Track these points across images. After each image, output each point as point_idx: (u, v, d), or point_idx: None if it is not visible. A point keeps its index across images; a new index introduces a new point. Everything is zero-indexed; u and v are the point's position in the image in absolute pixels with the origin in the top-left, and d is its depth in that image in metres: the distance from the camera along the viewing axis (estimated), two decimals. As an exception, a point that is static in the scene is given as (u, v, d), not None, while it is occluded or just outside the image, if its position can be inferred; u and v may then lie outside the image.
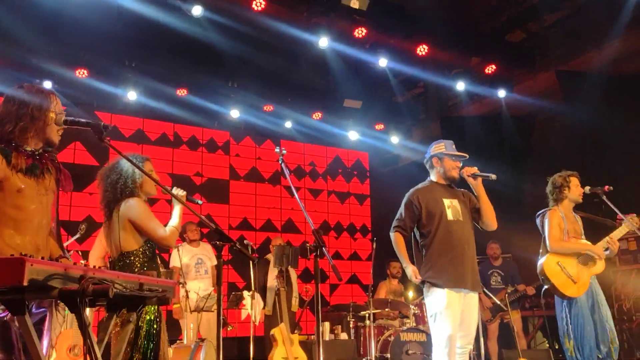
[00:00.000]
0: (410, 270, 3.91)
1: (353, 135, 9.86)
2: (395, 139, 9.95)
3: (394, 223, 4.09)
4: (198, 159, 9.02)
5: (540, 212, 4.70)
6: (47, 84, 7.15)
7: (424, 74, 8.52)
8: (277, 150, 3.05)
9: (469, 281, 3.85)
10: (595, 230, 4.77)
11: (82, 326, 1.88)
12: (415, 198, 4.00)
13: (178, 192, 3.28)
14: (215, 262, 6.62)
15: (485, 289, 6.22)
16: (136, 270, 3.08)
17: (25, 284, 1.70)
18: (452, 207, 3.94)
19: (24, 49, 6.69)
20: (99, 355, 1.99)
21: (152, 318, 3.05)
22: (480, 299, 5.26)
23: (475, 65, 8.46)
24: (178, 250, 6.13)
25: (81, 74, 7.24)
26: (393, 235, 4.07)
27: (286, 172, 2.89)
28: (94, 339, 2.00)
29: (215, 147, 9.22)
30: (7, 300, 1.81)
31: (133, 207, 3.12)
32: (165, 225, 3.20)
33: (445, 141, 4.12)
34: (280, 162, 2.94)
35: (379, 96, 9.36)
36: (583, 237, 4.61)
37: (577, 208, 4.74)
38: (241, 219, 9.14)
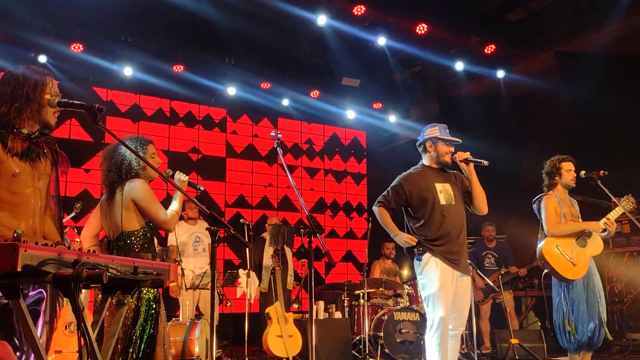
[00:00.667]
0: (403, 237, 3.90)
1: (350, 113, 9.83)
2: (392, 117, 9.92)
3: (379, 198, 4.09)
4: (194, 135, 8.98)
5: (536, 197, 4.70)
6: (42, 59, 7.10)
7: (423, 53, 8.45)
8: (272, 134, 3.02)
9: (461, 265, 3.87)
10: (592, 213, 4.78)
11: (76, 311, 1.89)
12: (406, 184, 3.99)
13: (180, 176, 3.29)
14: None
15: (478, 270, 6.27)
16: (136, 249, 3.11)
17: (18, 269, 1.69)
18: (444, 192, 3.94)
19: (18, 23, 6.61)
20: (93, 337, 2.00)
21: (152, 297, 3.08)
22: (473, 280, 5.32)
23: (475, 45, 8.40)
24: (175, 228, 6.13)
25: (76, 48, 7.17)
26: (377, 209, 4.07)
27: (281, 157, 2.87)
28: (88, 321, 2.01)
29: (212, 124, 9.18)
30: (1, 285, 1.82)
31: (137, 188, 3.12)
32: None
33: (439, 125, 4.09)
34: (276, 146, 2.92)
35: (377, 75, 9.30)
36: (580, 220, 4.62)
37: (573, 191, 4.75)
38: (237, 196, 9.15)
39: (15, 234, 2.08)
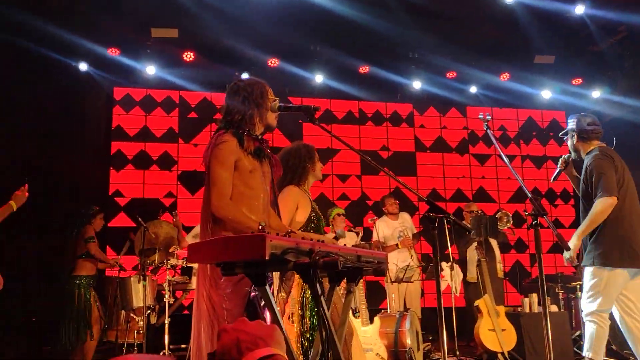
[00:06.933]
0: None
1: (546, 93, 9.16)
2: (596, 93, 9.01)
3: (608, 189, 3.69)
4: (383, 133, 9.13)
5: None
6: (244, 76, 7.83)
7: (627, 15, 7.50)
8: (480, 116, 2.92)
9: None
10: None
11: (316, 296, 2.02)
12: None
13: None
14: (415, 230, 6.74)
15: None
16: None
17: (267, 258, 1.86)
18: None
19: (222, 47, 7.41)
20: (331, 323, 2.11)
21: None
22: None
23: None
24: (376, 224, 6.32)
25: (273, 63, 7.80)
26: (610, 200, 3.67)
27: (492, 137, 2.76)
28: (326, 307, 2.13)
29: (400, 120, 9.24)
30: (249, 274, 2.02)
31: (282, 195, 3.38)
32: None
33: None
34: (485, 129, 2.82)
35: (574, 48, 8.49)
36: None
37: None
38: (430, 190, 9.07)
39: (260, 227, 2.31)
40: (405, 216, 6.70)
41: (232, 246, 1.95)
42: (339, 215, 6.12)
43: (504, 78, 8.72)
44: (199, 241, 2.12)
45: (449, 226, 6.39)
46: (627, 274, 3.69)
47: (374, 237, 6.37)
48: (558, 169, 4.14)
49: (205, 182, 2.61)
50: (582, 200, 3.90)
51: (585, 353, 3.77)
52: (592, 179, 3.75)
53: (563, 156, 4.13)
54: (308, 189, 3.59)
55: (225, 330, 1.21)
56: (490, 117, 2.91)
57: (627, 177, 3.86)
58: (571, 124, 4.02)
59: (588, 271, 3.80)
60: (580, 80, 8.92)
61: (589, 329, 3.78)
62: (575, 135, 3.98)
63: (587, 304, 3.79)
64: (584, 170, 3.89)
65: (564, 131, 4.11)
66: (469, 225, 6.07)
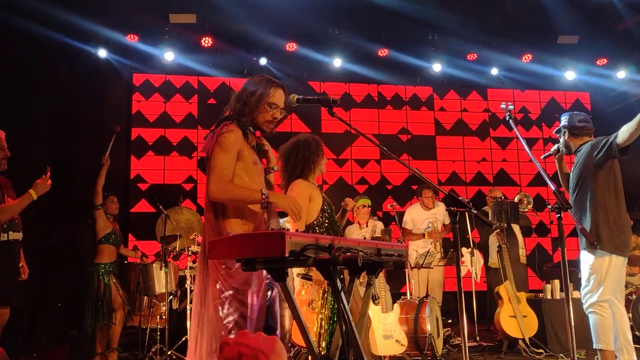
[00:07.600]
0: None
1: (570, 74, 8.96)
2: (621, 73, 8.81)
3: None
4: (402, 117, 9.04)
5: None
6: (263, 61, 7.82)
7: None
8: (502, 106, 2.87)
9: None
10: None
11: (336, 291, 2.02)
12: None
13: None
14: (447, 221, 6.67)
15: None
16: None
17: (287, 254, 1.86)
18: None
19: (242, 31, 7.38)
20: (351, 317, 2.11)
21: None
22: None
23: None
24: (407, 209, 6.39)
25: (291, 47, 7.76)
26: None
27: (515, 129, 2.71)
28: (346, 302, 2.13)
29: (419, 103, 9.14)
30: (270, 269, 2.02)
31: (292, 188, 3.39)
32: None
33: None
34: (507, 118, 2.77)
35: (599, 26, 8.27)
36: None
37: None
38: (450, 174, 8.99)
39: (263, 195, 2.34)
40: (440, 207, 6.64)
41: (252, 243, 1.96)
42: (364, 207, 6.03)
43: (526, 59, 8.56)
44: (219, 238, 2.13)
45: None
46: (623, 262, 3.82)
47: (404, 225, 6.39)
48: (549, 152, 4.31)
49: (207, 173, 2.59)
50: (574, 189, 4.03)
51: (596, 345, 3.83)
52: (597, 150, 3.87)
53: (557, 145, 4.25)
54: (315, 182, 3.58)
55: (227, 343, 1.21)
56: (512, 106, 2.87)
57: (619, 172, 4.00)
58: (563, 121, 4.16)
59: (587, 261, 3.84)
60: (605, 61, 8.72)
61: (592, 321, 3.85)
62: (567, 132, 4.12)
63: (587, 296, 3.85)
64: (576, 161, 4.04)
65: (557, 129, 4.24)
66: (491, 214, 6.03)
